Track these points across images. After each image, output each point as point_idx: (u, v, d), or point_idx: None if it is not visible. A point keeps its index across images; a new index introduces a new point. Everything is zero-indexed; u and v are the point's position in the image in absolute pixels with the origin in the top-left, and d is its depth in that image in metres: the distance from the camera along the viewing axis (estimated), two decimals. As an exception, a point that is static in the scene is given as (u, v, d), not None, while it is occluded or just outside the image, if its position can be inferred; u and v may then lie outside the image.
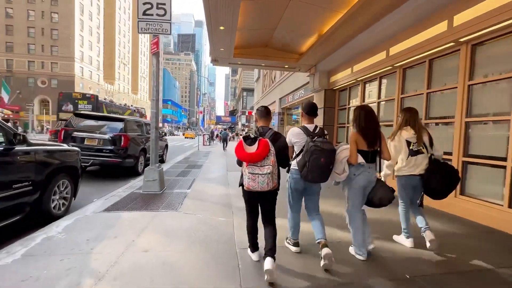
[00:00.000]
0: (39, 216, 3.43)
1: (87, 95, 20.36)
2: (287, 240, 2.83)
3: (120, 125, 6.68)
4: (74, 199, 4.27)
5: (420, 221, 2.85)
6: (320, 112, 8.45)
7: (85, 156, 6.25)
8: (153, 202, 4.42)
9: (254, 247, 2.51)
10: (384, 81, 6.07)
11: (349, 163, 2.45)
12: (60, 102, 18.61)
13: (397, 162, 2.84)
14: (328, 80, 8.18)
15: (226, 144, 18.47)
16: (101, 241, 2.84)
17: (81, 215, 3.65)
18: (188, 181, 6.41)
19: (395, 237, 3.10)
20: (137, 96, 76.21)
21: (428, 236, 2.76)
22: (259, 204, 2.37)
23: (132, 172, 7.21)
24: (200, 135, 22.27)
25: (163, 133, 10.46)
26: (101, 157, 6.35)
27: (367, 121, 2.45)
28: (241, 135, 32.35)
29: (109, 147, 6.45)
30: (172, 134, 60.59)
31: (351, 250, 2.70)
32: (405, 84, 5.34)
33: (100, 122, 6.75)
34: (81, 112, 6.88)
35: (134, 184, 5.77)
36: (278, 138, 2.33)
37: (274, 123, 16.70)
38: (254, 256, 2.49)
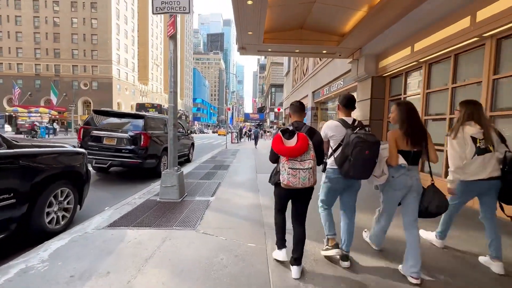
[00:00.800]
0: (30, 234, 2.81)
1: (155, 105, 30.60)
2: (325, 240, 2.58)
3: (140, 122, 6.10)
4: (80, 209, 3.66)
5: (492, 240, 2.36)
6: (366, 104, 7.12)
7: (103, 157, 5.80)
8: (169, 215, 3.65)
9: (281, 242, 2.37)
10: (462, 59, 4.62)
11: (388, 164, 2.23)
12: (137, 110, 25.83)
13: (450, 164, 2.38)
14: (377, 66, 6.81)
15: (257, 141, 18.83)
16: (88, 279, 2.07)
17: (80, 232, 2.97)
18: (212, 185, 5.61)
19: (422, 232, 2.85)
20: (169, 95, 78.94)
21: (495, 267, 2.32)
22: (292, 203, 2.27)
23: (154, 174, 6.64)
24: (230, 132, 22.63)
25: (189, 131, 9.89)
26: (120, 158, 5.81)
27: (412, 118, 2.19)
28: (268, 132, 31.27)
29: (128, 147, 5.89)
30: (202, 132, 61.74)
31: (365, 236, 2.84)
32: (501, 61, 3.89)
33: (120, 120, 6.23)
34: (101, 109, 6.39)
35: (153, 189, 5.12)
36: (314, 133, 2.20)
37: (306, 120, 15.41)
38: (281, 255, 2.34)
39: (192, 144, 10.35)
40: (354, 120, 2.32)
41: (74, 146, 3.71)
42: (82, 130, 5.96)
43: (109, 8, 47.68)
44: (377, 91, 6.91)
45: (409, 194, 2.21)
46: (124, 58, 53.23)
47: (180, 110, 42.55)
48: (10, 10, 47.36)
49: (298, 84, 18.03)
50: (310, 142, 2.01)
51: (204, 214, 3.73)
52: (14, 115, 29.55)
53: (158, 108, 30.75)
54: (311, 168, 1.94)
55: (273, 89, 46.98)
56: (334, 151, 2.27)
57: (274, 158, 2.21)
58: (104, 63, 48.62)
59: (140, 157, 5.94)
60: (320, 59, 12.31)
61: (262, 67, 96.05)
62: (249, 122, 52.48)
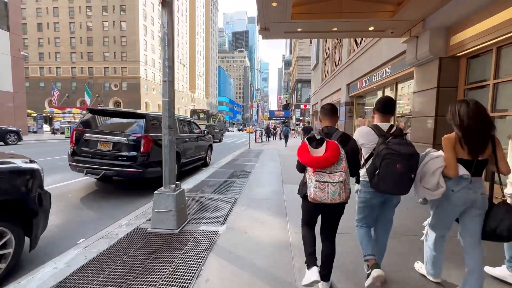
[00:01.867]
0: None
1: (203, 110, 35.77)
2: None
3: (141, 123, 5.02)
4: (31, 251, 2.57)
5: None
6: (429, 96, 5.36)
7: (97, 165, 4.81)
8: (153, 263, 2.43)
9: (311, 259, 1.92)
10: None
11: (445, 175, 1.83)
12: (192, 115, 33.14)
13: None
14: (447, 43, 5.01)
15: (287, 139, 18.63)
16: None
17: (0, 305, 1.85)
18: (226, 203, 4.35)
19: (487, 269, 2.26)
20: (195, 94, 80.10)
21: None
22: (321, 217, 2.03)
23: (160, 184, 5.56)
24: (257, 130, 22.94)
25: (204, 131, 8.77)
26: (116, 167, 4.78)
27: (472, 119, 1.73)
28: (292, 129, 29.92)
29: (126, 153, 4.84)
30: (226, 130, 61.50)
31: (418, 268, 2.29)
32: None
33: (119, 120, 5.22)
34: (97, 108, 5.42)
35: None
36: (347, 140, 1.92)
37: (341, 118, 13.58)
38: (311, 274, 1.81)
39: (210, 146, 9.24)
40: (392, 126, 2.01)
41: (31, 161, 2.63)
42: (74, 133, 5.02)
43: (137, 10, 48.94)
44: (448, 78, 5.11)
45: (471, 210, 1.82)
46: (151, 58, 54.54)
47: (219, 113, 46.90)
48: (49, 18, 50.73)
49: (329, 77, 16.17)
50: (343, 151, 1.75)
51: (206, 263, 2.46)
52: (50, 116, 31.21)
53: (206, 112, 35.12)
54: (342, 181, 1.66)
55: (299, 85, 44.92)
56: (366, 161, 2.01)
57: (301, 167, 1.97)
58: (133, 64, 50.15)
59: (141, 165, 4.86)
60: (357, 45, 10.49)
61: (288, 63, 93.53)
62: (274, 119, 51.02)
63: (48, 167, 7.32)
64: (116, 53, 50.46)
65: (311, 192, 1.71)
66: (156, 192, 3.27)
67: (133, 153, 4.85)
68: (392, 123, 2.06)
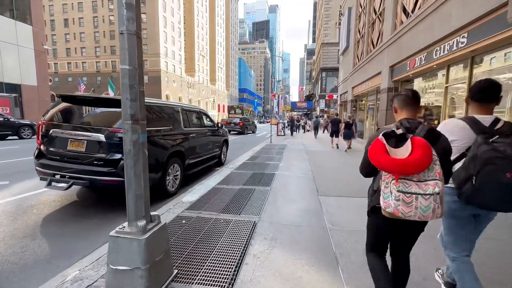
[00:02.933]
0: None
1: (239, 106, 37.60)
2: (438, 273, 1.95)
3: (125, 114, 3.64)
4: None
5: None
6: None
7: (66, 171, 3.54)
8: None
9: None
10: None
11: None
12: (229, 110, 35.65)
13: None
14: None
15: (317, 131, 18.40)
16: None
17: None
18: (239, 233, 2.89)
19: None
20: (215, 86, 79.42)
21: None
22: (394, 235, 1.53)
23: (156, 193, 4.25)
24: (280, 122, 21.76)
25: (219, 124, 7.36)
26: (90, 174, 3.48)
27: None
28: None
29: (103, 155, 3.52)
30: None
31: None
32: None
33: (96, 110, 3.91)
34: (70, 94, 4.12)
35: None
36: (437, 137, 1.36)
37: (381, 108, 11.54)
38: None
39: (225, 141, 7.82)
40: (497, 120, 1.46)
41: None
42: (41, 128, 3.78)
43: (156, 1, 48.40)
44: None
45: None
46: (171, 50, 54.20)
47: (249, 107, 53.46)
48: (74, 13, 51.98)
49: (364, 60, 13.96)
50: (434, 152, 1.27)
51: None
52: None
53: (241, 108, 36.49)
54: (438, 193, 1.17)
55: (323, 74, 42.10)
56: (454, 163, 1.53)
57: (367, 170, 1.48)
58: (153, 56, 50.10)
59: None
60: (407, 15, 8.37)
61: (310, 53, 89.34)
62: (296, 111, 48.83)
63: (38, 167, 6.34)
64: (137, 46, 50.71)
65: (390, 204, 1.22)
66: (112, 233, 1.86)
67: (114, 156, 3.52)
68: (497, 116, 1.47)
